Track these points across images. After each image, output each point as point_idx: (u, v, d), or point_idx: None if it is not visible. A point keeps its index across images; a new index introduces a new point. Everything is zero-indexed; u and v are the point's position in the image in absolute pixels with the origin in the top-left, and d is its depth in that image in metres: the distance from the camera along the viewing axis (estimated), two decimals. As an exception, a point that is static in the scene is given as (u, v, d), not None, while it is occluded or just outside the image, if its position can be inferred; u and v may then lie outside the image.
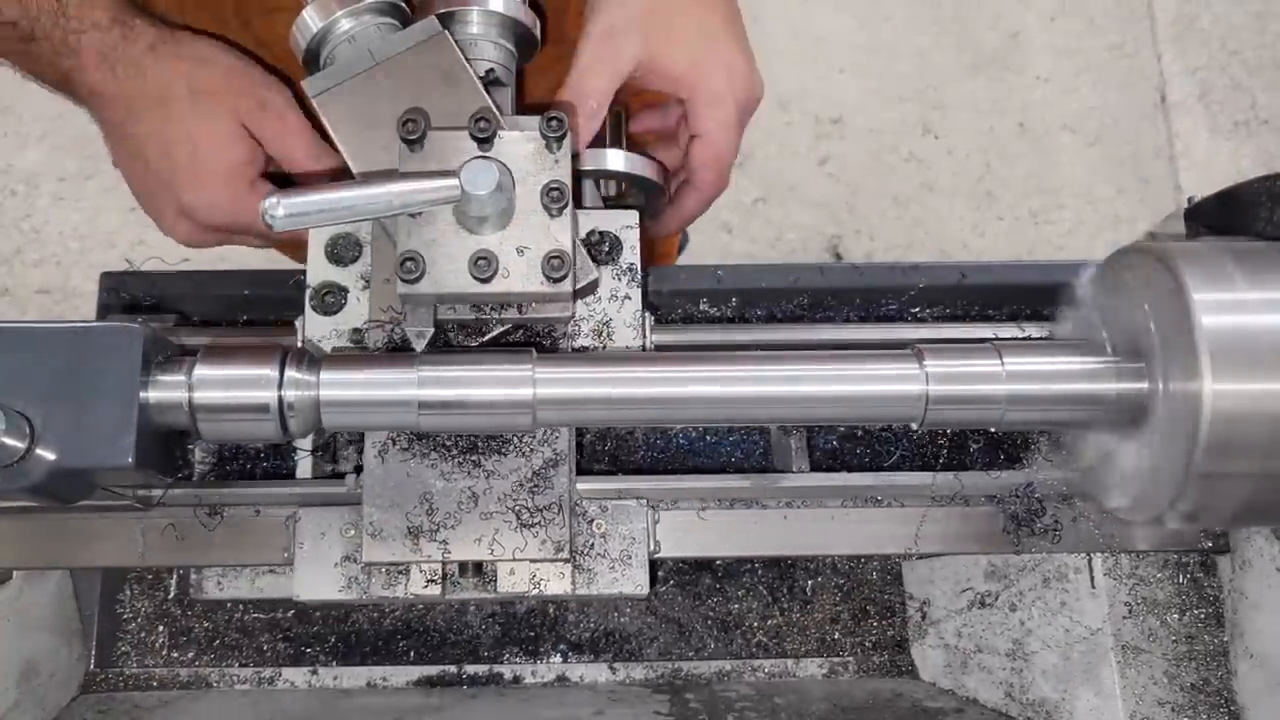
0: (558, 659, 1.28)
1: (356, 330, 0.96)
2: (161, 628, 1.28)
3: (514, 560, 0.92)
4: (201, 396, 0.81)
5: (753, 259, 2.92)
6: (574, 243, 0.89)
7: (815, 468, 1.07)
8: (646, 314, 0.99)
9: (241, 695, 1.24)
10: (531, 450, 0.94)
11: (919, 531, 1.02)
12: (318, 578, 0.96)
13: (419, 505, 0.92)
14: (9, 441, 0.74)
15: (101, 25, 1.04)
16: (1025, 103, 3.12)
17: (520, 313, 0.92)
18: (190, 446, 1.04)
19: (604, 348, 0.97)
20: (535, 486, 0.93)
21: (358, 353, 0.95)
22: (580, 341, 0.98)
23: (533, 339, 0.97)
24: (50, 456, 0.76)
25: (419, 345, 0.90)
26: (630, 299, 0.99)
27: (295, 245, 1.25)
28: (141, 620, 1.28)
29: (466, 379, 0.84)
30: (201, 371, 0.82)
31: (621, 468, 1.11)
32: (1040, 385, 0.85)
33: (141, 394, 0.79)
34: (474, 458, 0.93)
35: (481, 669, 1.27)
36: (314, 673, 1.26)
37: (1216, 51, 3.15)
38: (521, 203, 0.87)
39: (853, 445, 1.11)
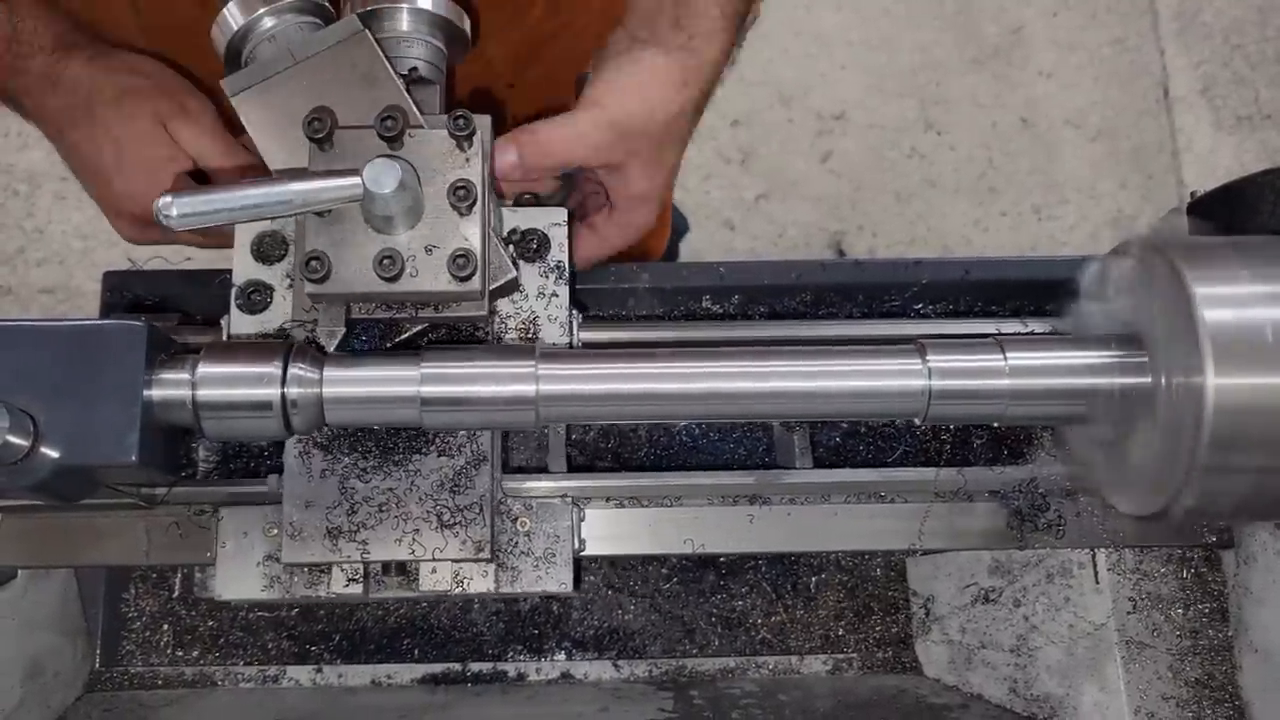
0: (562, 656, 1.28)
1: (280, 329, 0.96)
2: (166, 626, 1.28)
3: (434, 560, 0.92)
4: (205, 394, 0.81)
5: (755, 255, 2.92)
6: (485, 241, 0.88)
7: (818, 464, 1.07)
8: (574, 311, 0.99)
9: (246, 694, 1.24)
10: (454, 450, 0.94)
11: (922, 527, 1.02)
12: (240, 577, 0.96)
13: (339, 506, 0.92)
14: (13, 440, 0.74)
15: (46, 48, 1.12)
16: (1028, 98, 3.11)
17: (436, 311, 0.92)
18: (193, 445, 1.04)
19: None
20: (456, 486, 0.93)
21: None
22: (507, 339, 0.98)
23: (453, 337, 0.97)
24: (54, 454, 0.76)
25: (330, 345, 0.90)
26: (558, 296, 0.99)
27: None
28: (146, 619, 1.28)
29: (469, 376, 0.85)
30: (205, 369, 0.82)
31: (624, 464, 1.11)
32: (1043, 380, 0.85)
33: (145, 392, 0.79)
34: (395, 458, 0.93)
35: (486, 667, 1.27)
36: (319, 671, 1.26)
37: (1219, 46, 3.14)
38: (431, 201, 0.87)
39: (856, 441, 1.11)
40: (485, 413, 0.85)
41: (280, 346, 0.84)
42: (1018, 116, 3.09)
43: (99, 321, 0.82)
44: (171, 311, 1.09)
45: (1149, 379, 0.81)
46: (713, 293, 1.12)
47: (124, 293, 1.12)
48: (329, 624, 1.28)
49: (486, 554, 0.92)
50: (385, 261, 0.85)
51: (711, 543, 1.03)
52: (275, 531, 0.96)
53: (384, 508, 0.92)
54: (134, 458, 0.77)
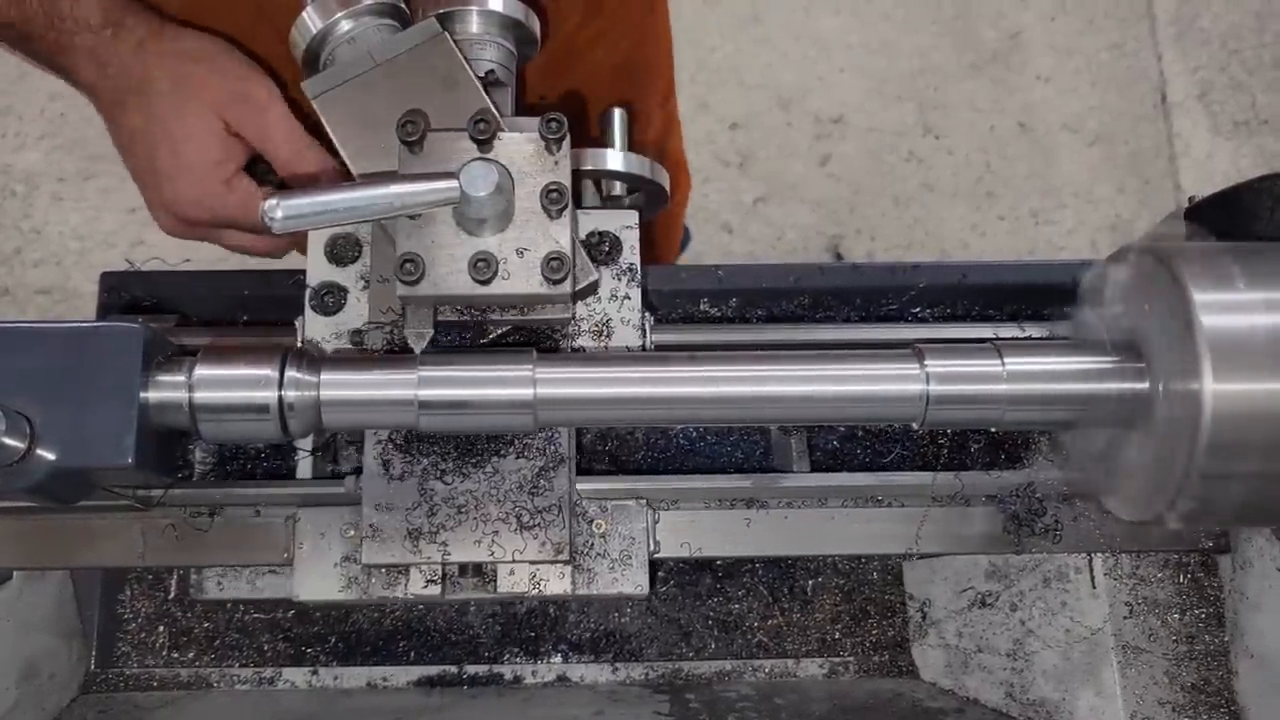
0: (558, 659, 1.28)
1: (356, 331, 0.96)
2: (162, 628, 1.27)
3: (514, 562, 0.92)
4: (202, 397, 0.81)
5: (753, 259, 2.92)
6: (573, 244, 0.88)
7: (816, 468, 1.07)
8: (647, 314, 0.99)
9: (242, 695, 1.24)
10: (532, 452, 0.94)
11: (919, 531, 1.02)
12: (318, 578, 0.96)
13: (418, 507, 0.92)
14: (9, 442, 0.74)
15: (93, 26, 1.06)
16: (1025, 103, 3.12)
17: (521, 314, 0.92)
18: (190, 447, 1.04)
19: (605, 348, 0.97)
20: (535, 488, 0.93)
21: (357, 353, 0.96)
22: (580, 341, 0.98)
23: (532, 340, 0.97)
24: (50, 457, 0.76)
25: (418, 347, 0.90)
26: (630, 299, 0.99)
27: (271, 252, 1.26)
28: (142, 620, 1.28)
29: (467, 379, 0.84)
30: (202, 372, 0.82)
31: (622, 468, 1.11)
32: (1041, 385, 0.85)
33: (142, 394, 0.79)
34: (474, 459, 0.93)
35: (482, 669, 1.27)
36: (314, 673, 1.26)
37: (1216, 51, 3.14)
38: (521, 204, 0.87)
39: (853, 445, 1.11)
40: (483, 416, 0.85)
41: (277, 349, 0.83)
42: (1015, 121, 3.10)
43: (96, 323, 0.82)
44: (169, 313, 1.09)
45: (1147, 384, 0.81)
46: (710, 296, 1.12)
47: (121, 294, 1.11)
48: (325, 626, 1.28)
49: (566, 556, 0.92)
50: (480, 264, 0.85)
51: (708, 546, 1.02)
52: (352, 533, 0.96)
53: (463, 509, 0.92)
54: (130, 460, 0.77)
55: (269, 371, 0.82)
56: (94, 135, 3.07)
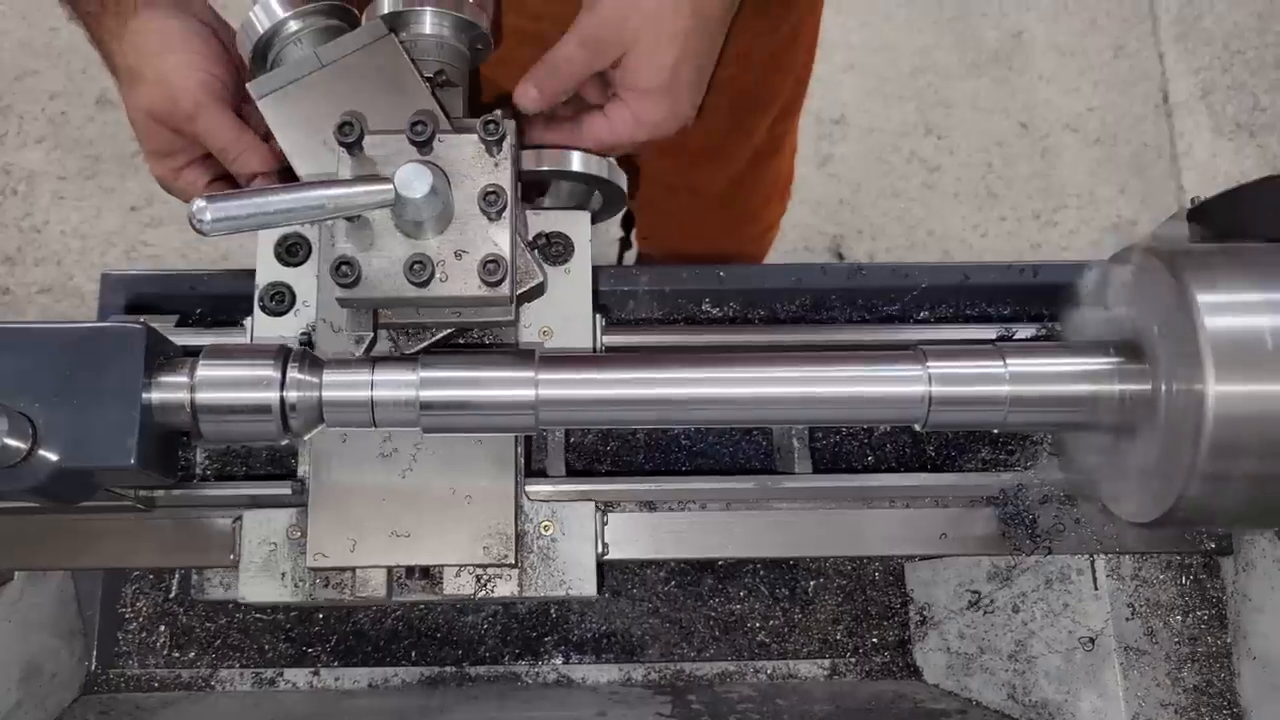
0: (559, 660, 1.28)
1: (304, 333, 0.96)
2: (163, 628, 1.27)
3: (459, 564, 0.92)
4: (204, 397, 0.81)
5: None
6: (514, 246, 0.88)
7: (817, 469, 1.07)
8: (597, 316, 0.99)
9: (243, 696, 1.24)
10: (480, 454, 0.94)
11: (921, 533, 1.02)
12: (263, 580, 0.96)
13: (364, 510, 0.92)
14: (11, 442, 0.74)
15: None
16: (1027, 103, 3.11)
17: (462, 316, 0.92)
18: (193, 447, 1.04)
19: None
20: (482, 490, 0.93)
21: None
22: (530, 343, 0.97)
23: (477, 342, 0.97)
24: (52, 457, 0.76)
25: (357, 350, 0.90)
26: (581, 300, 0.99)
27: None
28: (143, 621, 1.28)
29: (468, 380, 0.84)
30: (204, 372, 0.82)
31: (623, 468, 1.11)
32: (1043, 387, 0.85)
33: (144, 395, 0.79)
34: (420, 461, 0.93)
35: (483, 669, 1.27)
36: (316, 673, 1.26)
37: (1219, 52, 3.14)
38: (460, 206, 0.87)
39: (855, 446, 1.11)
40: (484, 417, 0.85)
41: (279, 350, 0.83)
42: (1017, 121, 3.10)
43: (98, 324, 0.82)
44: (170, 313, 1.08)
45: (1149, 385, 0.81)
46: (712, 296, 1.12)
47: (122, 293, 1.12)
48: (326, 626, 1.28)
49: (511, 559, 0.92)
50: (415, 266, 0.85)
51: (711, 547, 1.02)
52: (299, 534, 0.96)
53: (408, 512, 0.92)
54: (133, 461, 0.77)
55: (271, 372, 0.82)
56: (95, 134, 3.07)
